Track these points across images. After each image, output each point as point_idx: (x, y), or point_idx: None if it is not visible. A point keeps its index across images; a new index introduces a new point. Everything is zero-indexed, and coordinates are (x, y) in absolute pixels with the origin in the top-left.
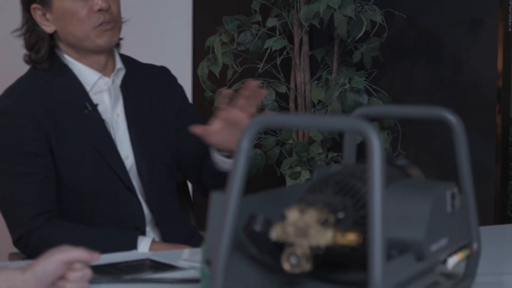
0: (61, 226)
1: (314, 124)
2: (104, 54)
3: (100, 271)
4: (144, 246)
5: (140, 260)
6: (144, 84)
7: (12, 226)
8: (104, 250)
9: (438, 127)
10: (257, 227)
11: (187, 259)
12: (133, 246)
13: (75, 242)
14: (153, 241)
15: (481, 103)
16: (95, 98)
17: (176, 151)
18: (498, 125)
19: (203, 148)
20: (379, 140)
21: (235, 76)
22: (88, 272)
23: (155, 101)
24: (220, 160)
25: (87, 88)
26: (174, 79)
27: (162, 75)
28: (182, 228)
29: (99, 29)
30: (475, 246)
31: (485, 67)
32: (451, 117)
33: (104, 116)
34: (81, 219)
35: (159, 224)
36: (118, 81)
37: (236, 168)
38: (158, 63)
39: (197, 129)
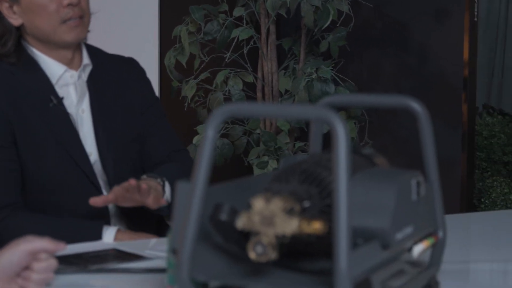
0: (26, 217)
1: (280, 113)
2: (71, 48)
3: (66, 261)
4: (109, 236)
5: (106, 250)
6: (112, 78)
7: None
8: (69, 240)
9: (405, 116)
10: (223, 216)
11: (153, 249)
12: (98, 235)
13: (40, 232)
14: (119, 230)
15: (447, 92)
16: (61, 92)
17: (141, 146)
18: (464, 114)
19: (167, 151)
20: (344, 129)
21: (202, 66)
22: (53, 262)
23: (122, 96)
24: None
25: (53, 81)
26: (142, 72)
27: (130, 67)
28: (149, 220)
29: (67, 25)
30: (440, 234)
31: (451, 56)
32: (415, 106)
33: (69, 110)
34: (46, 211)
35: (124, 218)
36: (85, 77)
37: (201, 156)
38: (125, 53)
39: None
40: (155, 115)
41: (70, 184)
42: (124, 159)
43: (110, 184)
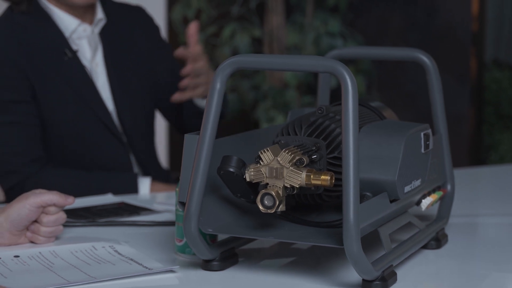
0: (57, 171)
1: (287, 65)
2: (82, 7)
3: (75, 215)
4: (145, 187)
5: (115, 204)
6: (122, 30)
7: (3, 176)
8: (103, 193)
9: (414, 70)
10: (231, 168)
11: (161, 202)
12: (134, 187)
13: (74, 187)
14: (153, 181)
15: (455, 47)
16: (74, 45)
17: (155, 92)
18: (472, 69)
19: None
20: (352, 80)
21: (209, 21)
22: (62, 216)
23: (134, 47)
24: (199, 100)
25: (66, 34)
26: (150, 19)
27: (138, 16)
28: (161, 174)
29: None
30: (448, 187)
31: (460, 9)
32: (424, 58)
33: (84, 64)
34: (67, 165)
35: (141, 167)
36: (97, 30)
37: (209, 109)
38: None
39: (178, 52)
40: (167, 55)
41: (91, 136)
42: (140, 111)
43: (128, 137)
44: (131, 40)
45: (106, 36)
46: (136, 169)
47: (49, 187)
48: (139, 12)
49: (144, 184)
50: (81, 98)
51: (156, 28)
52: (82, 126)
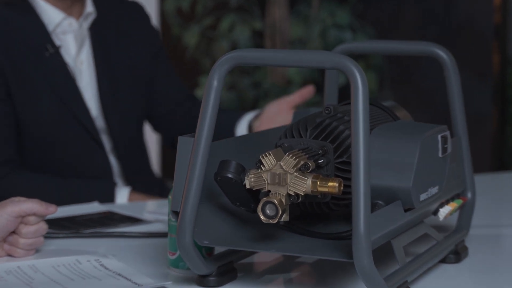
0: (29, 176)
1: (291, 61)
2: None
3: (57, 225)
4: (123, 197)
5: (101, 213)
6: (116, 26)
7: None
8: (76, 202)
9: (430, 67)
10: (230, 174)
11: (152, 211)
12: (110, 197)
13: (45, 193)
14: (132, 191)
15: (476, 40)
16: (58, 40)
17: (147, 100)
18: (494, 65)
19: (177, 98)
20: (362, 77)
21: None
22: (43, 226)
23: (127, 46)
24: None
25: (50, 28)
26: (148, 19)
27: (134, 13)
28: (153, 182)
29: None
30: (469, 195)
31: (481, 0)
32: (441, 53)
33: (67, 61)
34: (43, 170)
35: (129, 179)
36: (86, 25)
37: (205, 109)
38: None
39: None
40: (164, 65)
41: (69, 140)
42: (129, 116)
43: (115, 141)
44: (125, 38)
45: (97, 32)
46: (119, 177)
47: (20, 192)
48: (137, 9)
49: (122, 194)
50: (60, 98)
51: (154, 29)
52: (60, 128)
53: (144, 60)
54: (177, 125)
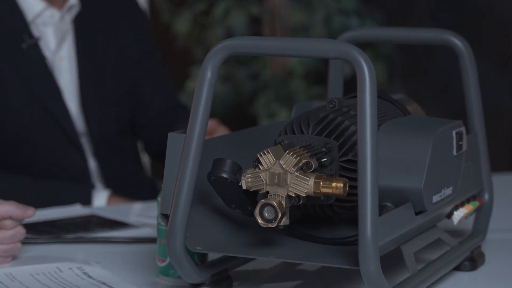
0: (1, 178)
1: (291, 50)
2: None
3: (36, 230)
4: (101, 200)
5: (84, 217)
6: (102, 19)
7: None
8: (51, 205)
9: (444, 57)
10: (224, 174)
11: (140, 215)
12: (86, 200)
13: (18, 195)
14: (112, 195)
15: (494, 28)
16: (37, 32)
17: (132, 101)
18: None
19: (161, 107)
20: (370, 67)
21: None
22: (21, 231)
23: (114, 42)
24: None
25: (28, 18)
26: (141, 14)
27: (127, 7)
28: (142, 184)
29: None
30: (486, 197)
31: None
32: (457, 41)
33: (45, 54)
34: (16, 171)
35: (112, 182)
36: (69, 18)
37: (198, 102)
38: None
39: None
40: (153, 64)
41: (45, 141)
42: (113, 117)
43: (95, 144)
44: (112, 34)
45: (81, 26)
46: (99, 180)
47: None
48: (130, 3)
49: (100, 198)
50: (36, 95)
51: (147, 26)
52: (35, 128)
53: (132, 60)
54: (159, 136)
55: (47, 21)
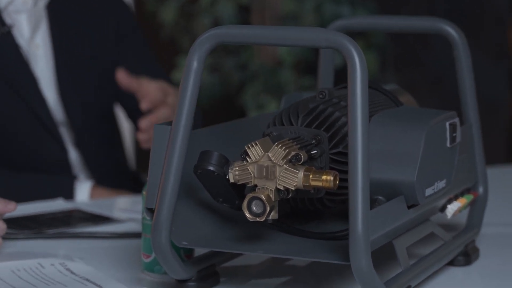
0: None
1: (280, 39)
2: None
3: (17, 225)
4: (83, 193)
5: (67, 211)
6: (79, 3)
7: None
8: (32, 199)
9: (439, 46)
10: (211, 167)
11: (124, 209)
12: (68, 193)
13: None
14: (95, 186)
15: (490, 17)
16: (9, 20)
17: (115, 87)
18: (511, 45)
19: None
20: (361, 57)
21: None
22: (1, 226)
23: (91, 27)
24: None
25: (0, 5)
26: None
27: None
28: (126, 176)
29: None
30: (480, 190)
31: None
32: (451, 30)
33: (20, 42)
34: None
35: (95, 173)
36: (42, 3)
37: (183, 93)
38: None
39: (121, 77)
40: (134, 42)
41: (21, 131)
42: (94, 105)
43: (76, 134)
44: (89, 18)
45: (55, 12)
46: (81, 172)
47: None
48: None
49: (82, 189)
50: (11, 85)
51: (126, 7)
52: (10, 119)
53: (110, 41)
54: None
55: (19, 8)
